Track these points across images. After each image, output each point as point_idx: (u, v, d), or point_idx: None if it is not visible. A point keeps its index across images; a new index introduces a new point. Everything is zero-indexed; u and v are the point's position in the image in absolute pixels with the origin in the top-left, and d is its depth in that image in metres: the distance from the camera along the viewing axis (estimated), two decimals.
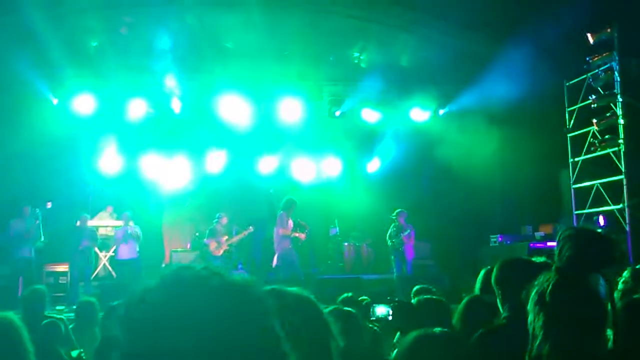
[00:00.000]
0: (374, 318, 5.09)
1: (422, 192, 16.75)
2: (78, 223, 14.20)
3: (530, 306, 2.87)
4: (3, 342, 3.63)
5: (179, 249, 16.46)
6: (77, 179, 15.60)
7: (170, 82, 15.35)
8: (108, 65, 14.58)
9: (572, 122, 14.29)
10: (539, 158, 14.74)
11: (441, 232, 16.10)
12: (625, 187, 12.57)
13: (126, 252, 14.19)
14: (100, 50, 14.56)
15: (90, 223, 14.67)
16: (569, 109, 14.39)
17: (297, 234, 13.79)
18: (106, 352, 4.78)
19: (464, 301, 4.52)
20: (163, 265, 16.19)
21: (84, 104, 15.37)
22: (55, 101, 15.29)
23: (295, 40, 14.44)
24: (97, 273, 15.16)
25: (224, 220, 14.99)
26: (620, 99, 12.53)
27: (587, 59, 12.92)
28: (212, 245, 14.55)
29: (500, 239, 15.11)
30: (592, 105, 13.04)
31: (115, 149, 16.04)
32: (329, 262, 17.27)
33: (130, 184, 16.14)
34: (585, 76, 13.43)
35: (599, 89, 13.04)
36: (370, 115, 17.16)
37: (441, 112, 17.26)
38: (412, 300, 5.15)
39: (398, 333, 4.70)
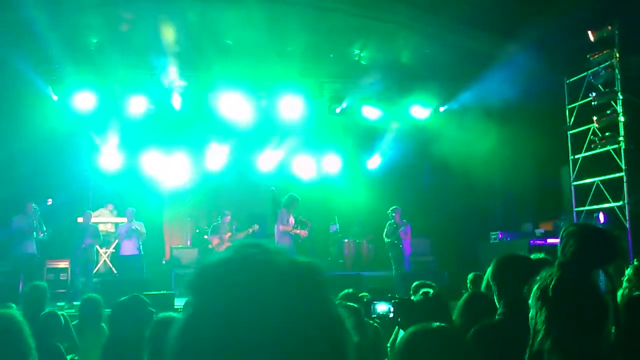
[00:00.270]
0: (374, 315, 5.08)
1: (423, 189, 16.79)
2: (81, 220, 14.21)
3: (531, 301, 2.88)
4: (5, 337, 3.65)
5: (179, 246, 16.46)
6: (78, 176, 15.60)
7: (171, 78, 15.33)
8: (108, 62, 14.55)
9: (572, 119, 14.30)
10: (540, 155, 14.75)
11: (441, 229, 16.14)
12: (625, 184, 12.60)
13: (129, 248, 14.18)
14: (100, 46, 14.55)
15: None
16: (569, 107, 14.41)
17: (298, 231, 13.82)
18: (115, 347, 4.79)
19: (464, 297, 4.53)
20: (163, 262, 16.20)
21: (84, 100, 15.34)
22: (55, 98, 15.25)
23: (296, 37, 14.44)
24: (98, 269, 15.15)
25: (227, 218, 15.00)
26: (621, 97, 12.54)
27: (588, 56, 12.94)
28: (215, 242, 14.56)
29: (500, 235, 15.13)
30: (593, 103, 13.06)
31: (115, 145, 16.02)
32: (329, 259, 17.26)
33: (130, 180, 16.13)
34: (585, 73, 13.45)
35: (600, 86, 13.07)
36: (370, 112, 17.16)
37: (442, 109, 17.26)
38: (412, 297, 5.16)
39: (396, 328, 4.72)
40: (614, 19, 12.37)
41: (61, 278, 14.26)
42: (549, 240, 13.58)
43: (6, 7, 12.58)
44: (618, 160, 12.73)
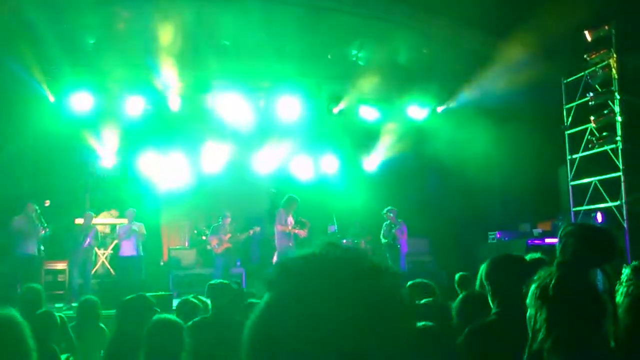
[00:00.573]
0: None
1: (420, 189, 16.77)
2: (81, 221, 14.19)
3: (530, 301, 2.88)
4: (5, 339, 3.64)
5: (177, 247, 16.45)
6: (75, 177, 15.57)
7: (168, 79, 15.31)
8: (105, 62, 14.54)
9: (569, 119, 14.31)
10: (537, 155, 14.76)
11: (439, 229, 16.14)
12: (623, 183, 12.61)
13: (128, 249, 14.17)
14: (97, 47, 14.52)
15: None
16: (566, 107, 14.41)
17: (296, 231, 13.85)
18: (120, 344, 4.81)
19: (460, 297, 4.54)
20: (161, 263, 16.18)
21: (81, 101, 15.28)
22: (52, 99, 15.22)
23: (294, 37, 14.45)
24: (96, 270, 15.14)
25: (228, 220, 14.99)
26: (618, 97, 12.55)
27: (585, 56, 12.95)
28: (214, 242, 14.55)
29: (498, 235, 15.16)
30: (590, 103, 13.08)
31: (112, 146, 15.98)
32: None
33: (128, 181, 16.11)
34: (582, 73, 13.46)
35: (597, 86, 13.07)
36: (368, 113, 17.16)
37: (439, 109, 17.28)
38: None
39: None
40: (611, 19, 12.39)
41: (59, 279, 14.24)
42: (547, 240, 13.60)
43: (3, 7, 12.56)
44: (615, 160, 12.74)
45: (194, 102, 16.21)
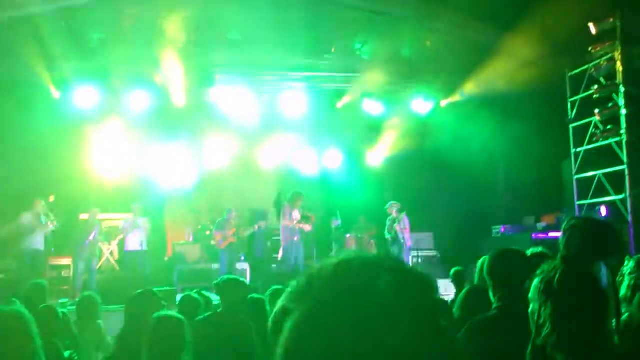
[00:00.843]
0: None
1: (425, 183, 16.75)
2: (87, 216, 14.23)
3: (533, 295, 2.86)
4: (13, 334, 3.66)
5: (181, 242, 16.46)
6: (79, 173, 15.57)
7: (173, 73, 15.30)
8: (110, 58, 14.56)
9: (574, 112, 14.27)
10: (542, 149, 14.72)
11: (444, 223, 16.15)
12: (627, 177, 12.57)
13: (134, 243, 14.24)
14: (101, 42, 14.53)
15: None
16: (571, 100, 14.37)
17: (301, 225, 13.89)
18: (129, 337, 4.82)
19: (464, 291, 4.54)
20: (165, 258, 16.19)
21: (86, 96, 15.29)
22: (56, 94, 15.24)
23: (298, 31, 14.43)
24: (101, 266, 15.15)
25: (233, 215, 14.99)
26: (623, 89, 12.50)
27: (590, 49, 12.90)
28: (218, 238, 14.55)
29: (502, 229, 15.14)
30: (594, 96, 13.03)
31: (117, 141, 15.98)
32: (331, 254, 17.24)
33: (132, 176, 16.11)
34: (587, 66, 13.40)
35: (601, 79, 13.02)
36: (372, 107, 17.13)
37: (443, 103, 17.24)
38: None
39: None
40: (616, 11, 12.33)
41: (64, 275, 14.28)
42: (551, 234, 13.58)
43: (8, 3, 12.57)
44: (620, 153, 12.71)
45: (198, 96, 16.20)
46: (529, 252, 4.50)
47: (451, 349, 1.14)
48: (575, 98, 14.18)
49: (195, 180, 16.69)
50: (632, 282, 4.99)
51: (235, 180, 16.62)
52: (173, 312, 4.59)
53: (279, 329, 1.68)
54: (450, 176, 16.49)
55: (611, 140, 12.88)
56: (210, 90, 16.16)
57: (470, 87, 15.96)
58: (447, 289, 9.45)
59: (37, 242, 13.34)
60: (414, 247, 15.35)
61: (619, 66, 12.53)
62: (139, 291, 5.28)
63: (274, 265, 15.41)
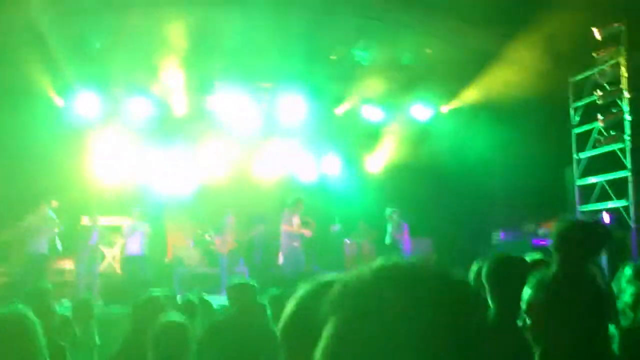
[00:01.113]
0: None
1: (424, 189, 16.72)
2: (88, 221, 14.21)
3: (530, 300, 2.84)
4: (17, 336, 3.61)
5: (181, 246, 16.44)
6: (81, 179, 15.58)
7: (172, 81, 15.33)
8: (111, 66, 14.65)
9: (577, 118, 14.25)
10: (543, 154, 14.72)
11: (443, 229, 16.10)
12: (630, 183, 12.54)
13: (134, 247, 14.27)
14: (102, 50, 14.57)
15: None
16: (573, 105, 14.35)
17: (302, 230, 13.92)
18: (135, 341, 4.82)
19: None
20: (165, 262, 16.19)
21: (87, 104, 15.46)
22: (59, 102, 15.39)
23: (297, 38, 14.43)
24: (103, 270, 15.18)
25: (231, 219, 14.98)
26: (627, 95, 12.47)
27: (593, 54, 12.89)
28: (218, 242, 14.56)
29: (502, 235, 15.12)
30: (598, 102, 13.01)
31: (117, 148, 16.00)
32: (329, 259, 17.26)
33: (132, 182, 16.11)
34: (591, 72, 13.39)
35: (605, 84, 12.99)
36: (372, 113, 17.13)
37: (443, 109, 17.24)
38: None
39: None
40: (621, 16, 12.32)
41: (66, 278, 14.28)
42: None
43: (10, 11, 12.56)
44: (623, 160, 12.68)
45: (197, 104, 16.30)
46: (528, 258, 4.51)
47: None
48: (577, 104, 14.16)
49: (195, 186, 16.69)
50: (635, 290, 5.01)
51: (233, 186, 16.61)
52: (177, 316, 4.57)
53: (290, 333, 1.65)
54: (450, 182, 16.49)
55: (614, 147, 12.84)
56: (210, 98, 16.20)
57: (471, 94, 15.96)
58: None
59: (41, 245, 13.36)
60: (413, 253, 15.31)
61: (623, 72, 12.50)
62: (144, 296, 5.29)
63: (273, 270, 15.39)
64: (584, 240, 3.19)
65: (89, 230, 14.07)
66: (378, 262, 1.15)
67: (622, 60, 12.54)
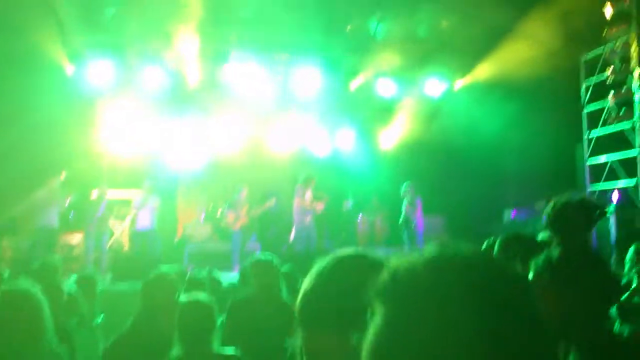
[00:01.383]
0: None
1: (436, 166, 16.70)
2: (95, 194, 14.30)
3: (534, 280, 2.87)
4: (23, 314, 3.68)
5: (192, 222, 16.49)
6: (91, 151, 15.61)
7: (187, 50, 15.25)
8: (124, 34, 14.56)
9: (587, 96, 14.17)
10: (554, 132, 14.65)
11: (455, 207, 16.10)
12: (639, 163, 12.49)
13: (144, 221, 14.29)
14: (115, 17, 14.51)
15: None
16: (585, 83, 14.26)
17: (314, 205, 13.92)
18: (146, 317, 4.87)
19: None
20: (176, 238, 16.23)
21: (99, 73, 15.37)
22: (69, 71, 15.28)
23: (312, 9, 14.37)
24: (111, 244, 15.20)
25: (244, 193, 14.98)
26: (637, 74, 12.38)
27: (604, 32, 12.78)
28: (231, 218, 14.53)
29: (514, 213, 15.10)
30: (608, 80, 12.92)
31: (129, 118, 15.99)
32: (342, 235, 17.32)
33: (144, 154, 16.13)
34: (601, 50, 13.28)
35: (616, 62, 12.90)
36: (386, 87, 17.05)
37: (457, 84, 17.15)
38: None
39: None
40: None
41: (74, 253, 14.35)
42: None
43: None
44: (632, 139, 12.62)
45: (211, 74, 16.19)
46: (539, 236, 4.47)
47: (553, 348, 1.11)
48: (589, 82, 14.07)
49: (207, 159, 16.65)
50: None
51: (247, 160, 16.56)
52: (202, 295, 4.64)
53: (309, 308, 1.65)
54: (461, 160, 16.44)
55: (624, 125, 12.77)
56: (224, 68, 16.13)
57: (484, 70, 15.87)
58: None
59: (51, 218, 13.39)
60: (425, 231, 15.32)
61: (633, 50, 12.40)
62: (154, 274, 5.30)
63: (285, 246, 15.43)
64: (578, 219, 3.27)
65: (97, 203, 14.00)
66: (429, 249, 1.10)
67: (632, 38, 12.43)
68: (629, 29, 12.38)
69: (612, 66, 12.88)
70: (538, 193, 15.72)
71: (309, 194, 13.98)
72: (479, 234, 14.86)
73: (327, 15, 14.86)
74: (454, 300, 1.00)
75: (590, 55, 13.90)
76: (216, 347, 4.35)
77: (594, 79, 13.79)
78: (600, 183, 13.72)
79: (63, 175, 13.87)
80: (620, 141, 13.00)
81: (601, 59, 13.36)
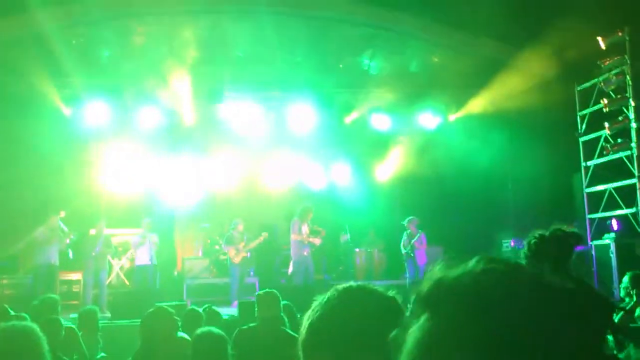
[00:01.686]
0: None
1: (434, 197, 16.71)
2: (94, 230, 14.25)
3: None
4: (23, 352, 3.65)
5: (191, 256, 16.45)
6: (90, 188, 15.62)
7: (181, 90, 15.35)
8: (120, 75, 14.68)
9: (583, 126, 14.23)
10: (552, 162, 14.68)
11: (453, 237, 16.05)
12: (638, 190, 12.51)
13: (143, 257, 14.21)
14: (111, 59, 14.63)
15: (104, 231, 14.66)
16: (580, 114, 14.34)
17: (311, 239, 13.87)
18: (146, 355, 4.84)
19: None
20: (175, 272, 16.20)
21: (95, 114, 15.41)
22: (67, 112, 15.35)
23: (305, 48, 14.48)
24: (111, 281, 15.15)
25: (240, 227, 14.96)
26: (633, 103, 12.46)
27: (598, 62, 12.88)
28: (231, 253, 14.49)
29: (512, 243, 15.07)
30: (604, 109, 12.98)
31: (127, 157, 16.03)
32: (340, 269, 17.28)
33: (142, 192, 16.14)
34: (596, 80, 13.37)
35: (611, 92, 12.99)
36: (380, 122, 17.11)
37: (452, 117, 17.22)
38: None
39: None
40: (624, 24, 12.32)
41: (74, 290, 14.28)
42: None
43: (18, 21, 12.67)
44: (631, 167, 12.65)
45: (207, 113, 16.26)
46: None
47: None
48: (584, 112, 14.15)
49: (204, 195, 16.70)
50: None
51: (243, 196, 16.60)
52: (214, 328, 4.63)
53: (316, 339, 1.66)
54: (459, 190, 16.43)
55: (622, 154, 12.82)
56: (219, 107, 16.21)
57: (478, 103, 15.94)
58: None
59: (52, 256, 13.33)
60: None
61: (628, 80, 12.50)
62: (152, 309, 5.28)
63: (283, 280, 15.39)
64: (553, 251, 3.35)
65: (95, 240, 13.95)
66: (474, 261, 1.10)
67: (627, 69, 12.54)
68: (623, 59, 12.48)
69: (608, 96, 12.95)
70: (536, 222, 15.70)
71: (306, 227, 13.94)
72: None
73: (320, 52, 14.99)
74: (497, 309, 0.99)
75: (585, 85, 13.98)
76: None
77: (589, 109, 13.86)
78: (599, 213, 13.71)
79: (62, 214, 13.85)
80: (618, 170, 13.03)
81: (596, 89, 13.43)
